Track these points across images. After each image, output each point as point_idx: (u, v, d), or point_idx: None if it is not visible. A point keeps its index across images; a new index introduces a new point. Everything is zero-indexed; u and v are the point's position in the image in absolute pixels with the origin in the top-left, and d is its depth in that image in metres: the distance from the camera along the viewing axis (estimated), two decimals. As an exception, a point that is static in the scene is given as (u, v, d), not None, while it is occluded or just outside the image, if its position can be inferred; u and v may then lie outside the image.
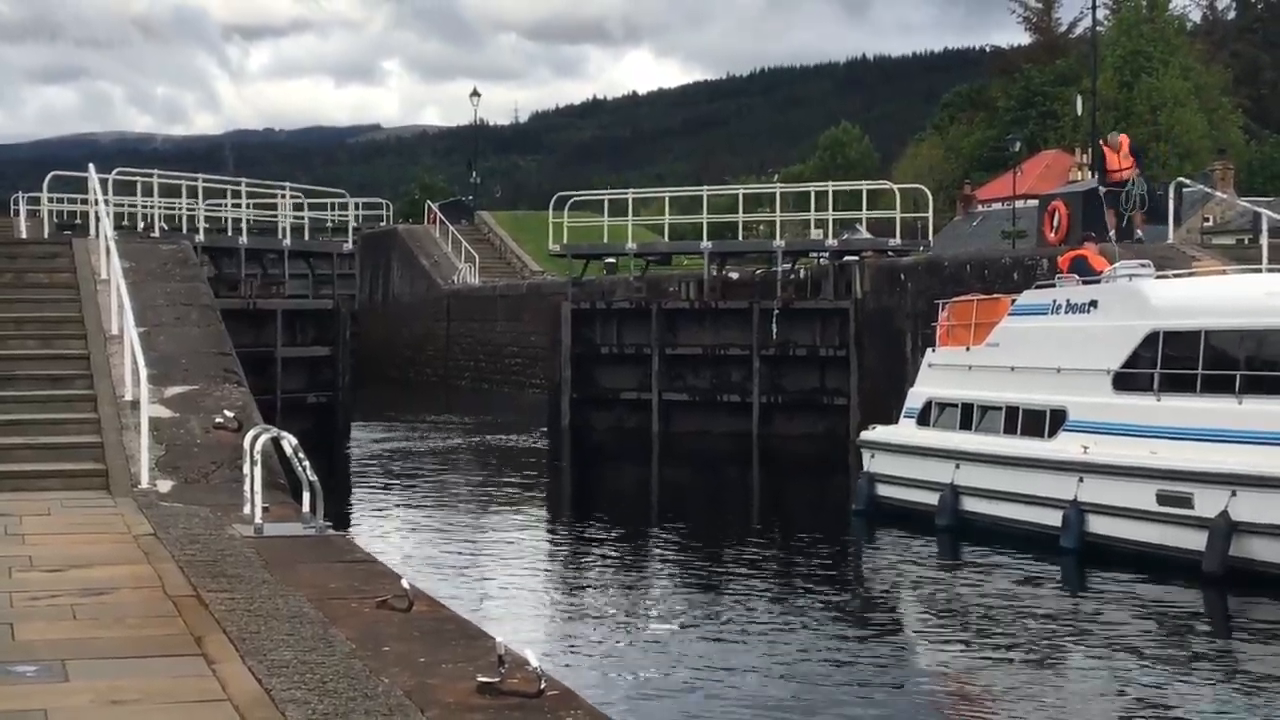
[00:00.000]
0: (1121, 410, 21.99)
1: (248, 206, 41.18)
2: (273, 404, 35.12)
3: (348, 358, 40.51)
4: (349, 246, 44.32)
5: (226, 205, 42.74)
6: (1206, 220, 63.11)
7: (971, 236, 70.19)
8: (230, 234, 39.54)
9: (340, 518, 21.71)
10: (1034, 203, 49.04)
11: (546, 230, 46.24)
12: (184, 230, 37.85)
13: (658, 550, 24.14)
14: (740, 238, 45.68)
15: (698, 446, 38.68)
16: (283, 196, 44.80)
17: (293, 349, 37.79)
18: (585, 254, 45.55)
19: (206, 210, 40.13)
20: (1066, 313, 23.80)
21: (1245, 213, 50.38)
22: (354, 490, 31.73)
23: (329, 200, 46.08)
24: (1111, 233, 31.04)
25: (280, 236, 40.68)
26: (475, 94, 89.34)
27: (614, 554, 23.74)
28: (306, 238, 44.32)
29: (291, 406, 36.60)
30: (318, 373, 39.08)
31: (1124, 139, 33.08)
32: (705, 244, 42.91)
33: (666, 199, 47.03)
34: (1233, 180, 65.95)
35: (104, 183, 26.95)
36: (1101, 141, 33.16)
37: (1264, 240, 29.01)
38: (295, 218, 41.82)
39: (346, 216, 49.23)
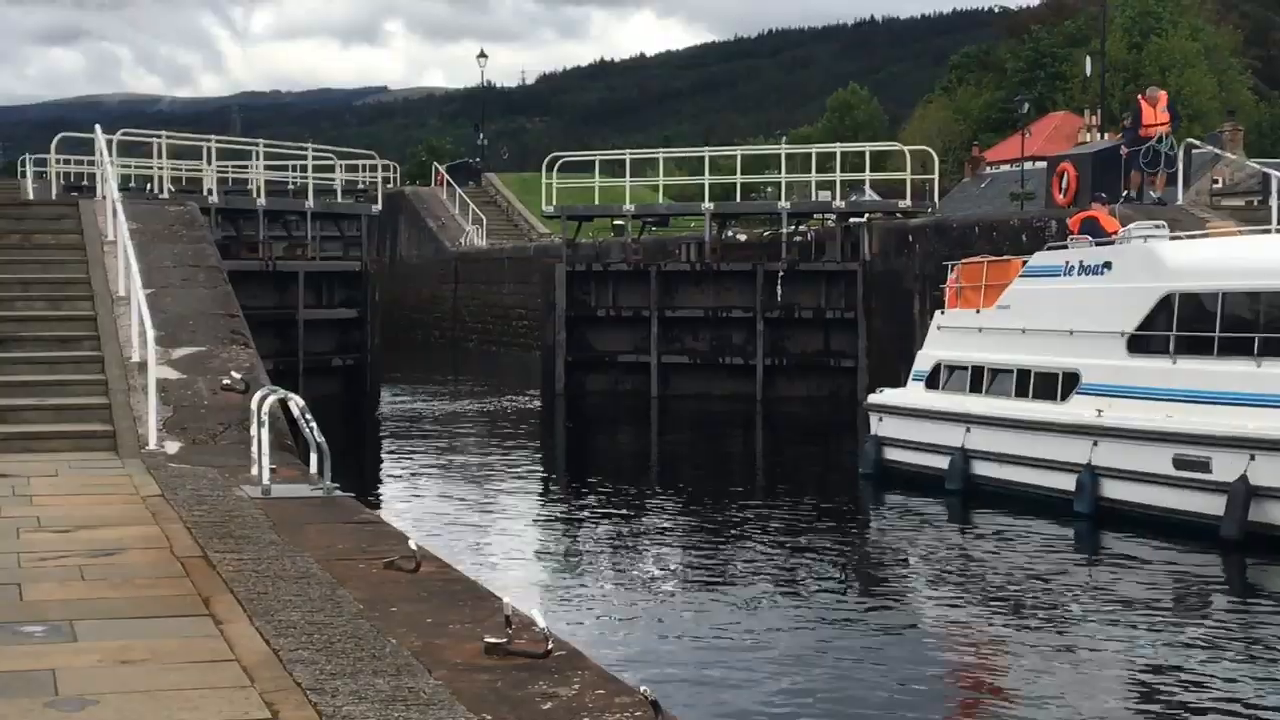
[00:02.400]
0: (1136, 373, 21.80)
1: (266, 168, 41.03)
2: (295, 366, 35.16)
3: (377, 320, 40.39)
4: (377, 209, 44.06)
5: (252, 166, 42.74)
6: (1216, 182, 62.82)
7: (980, 198, 69.89)
8: (254, 195, 39.47)
9: (357, 479, 21.71)
10: (1042, 164, 48.86)
11: (573, 193, 46.07)
12: (203, 192, 37.73)
13: (664, 512, 24.14)
14: (738, 199, 45.32)
15: (697, 409, 38.63)
16: (296, 166, 44.69)
17: (317, 311, 37.61)
18: (580, 215, 45.16)
19: (223, 172, 39.94)
20: (1080, 274, 23.56)
21: (1255, 174, 50.18)
22: (372, 452, 31.84)
23: (338, 161, 45.90)
24: (1131, 191, 30.78)
25: (305, 198, 40.53)
26: (482, 55, 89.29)
27: (620, 516, 23.75)
28: (339, 199, 44.16)
29: (315, 369, 36.54)
30: (346, 335, 38.97)
31: (1163, 95, 32.46)
32: (707, 205, 42.73)
33: (661, 160, 46.76)
34: (1242, 141, 65.68)
35: (110, 144, 26.85)
36: (1140, 96, 32.54)
37: (1273, 202, 28.86)
38: (316, 179, 41.61)
39: (358, 178, 48.92)
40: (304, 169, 41.97)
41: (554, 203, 44.06)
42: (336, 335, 38.68)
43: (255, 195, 39.24)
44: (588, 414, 39.48)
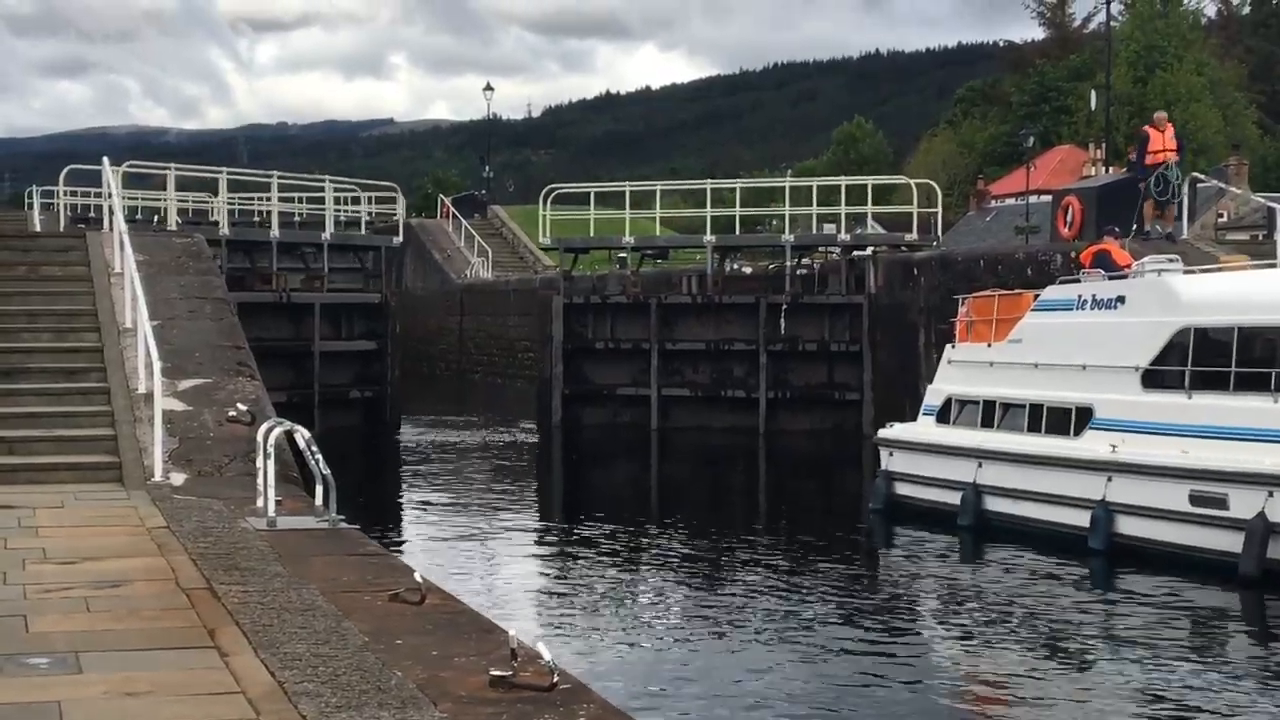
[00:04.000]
0: (1151, 408, 21.59)
1: (279, 200, 41.20)
2: (310, 399, 35.17)
3: (397, 352, 40.33)
4: (398, 240, 44.10)
5: (259, 199, 42.81)
6: (1220, 216, 62.90)
7: (984, 231, 70.00)
8: (266, 226, 39.52)
9: (366, 511, 21.69)
10: (1047, 198, 48.91)
11: (572, 226, 46.15)
12: (212, 224, 37.84)
13: (670, 546, 24.05)
14: (737, 231, 45.38)
15: (698, 442, 38.54)
16: (301, 198, 44.77)
17: (333, 343, 37.61)
18: (576, 247, 45.14)
19: (230, 204, 40.03)
20: (1093, 308, 23.40)
21: (1260, 209, 50.24)
22: (390, 484, 31.84)
23: (362, 194, 45.99)
24: (1148, 225, 30.67)
25: (321, 230, 40.59)
26: (488, 88, 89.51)
27: (626, 549, 23.71)
28: (363, 230, 44.26)
29: (332, 401, 36.54)
30: (365, 367, 38.92)
31: (1169, 123, 32.41)
32: (709, 237, 42.72)
33: (658, 191, 46.82)
34: (1247, 176, 65.73)
35: (117, 175, 26.93)
36: (1147, 127, 32.38)
37: (1279, 236, 28.87)
38: (321, 210, 41.71)
39: (362, 210, 48.92)
40: (314, 201, 42.07)
41: (550, 235, 44.15)
42: (355, 367, 38.66)
43: (266, 226, 39.30)
44: (588, 447, 39.37)
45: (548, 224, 44.04)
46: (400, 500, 29.62)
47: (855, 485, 31.16)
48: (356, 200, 45.24)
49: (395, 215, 50.72)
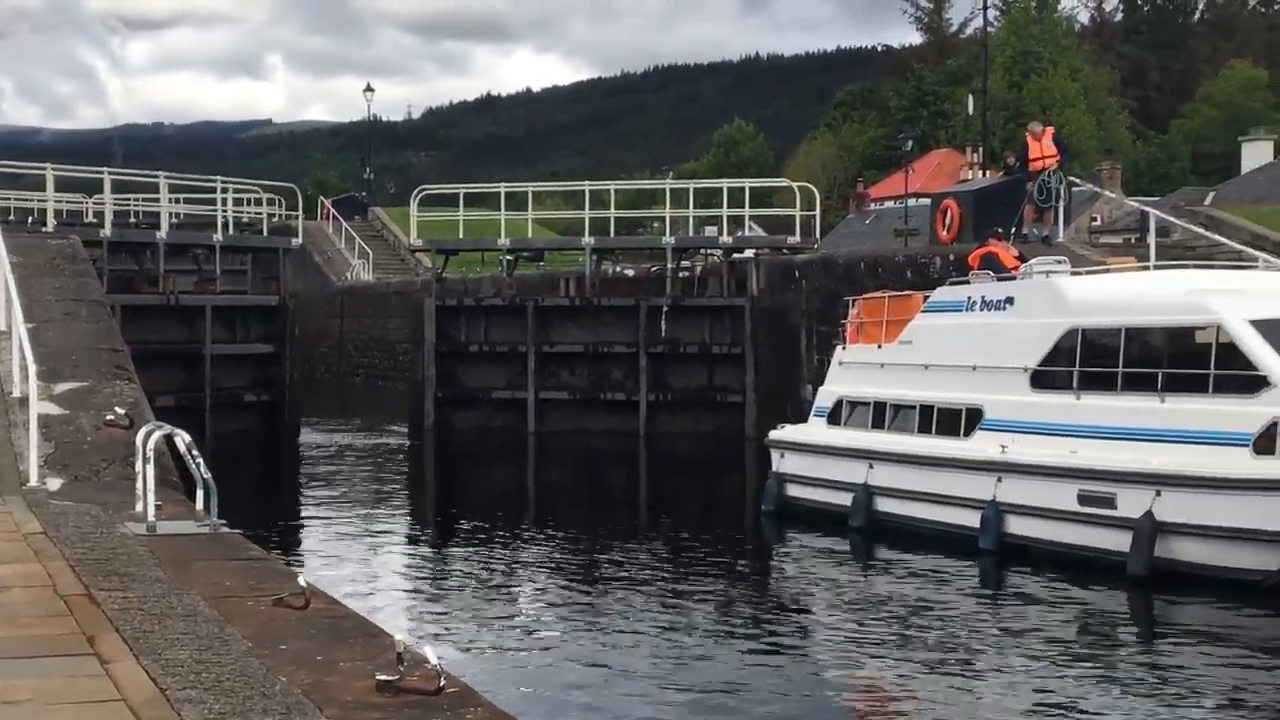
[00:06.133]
0: (1040, 409, 21.81)
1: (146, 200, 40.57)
2: (201, 402, 34.71)
3: (295, 355, 39.86)
4: (298, 242, 43.61)
5: (133, 199, 42.08)
6: (1094, 219, 63.81)
7: (864, 234, 70.58)
8: (148, 227, 38.94)
9: (252, 515, 21.41)
10: (926, 201, 49.40)
11: (446, 227, 45.96)
12: (98, 225, 37.22)
13: (554, 549, 24.00)
14: (612, 234, 45.36)
15: (577, 445, 38.38)
16: (179, 199, 44.14)
17: (227, 346, 37.08)
18: (448, 249, 44.88)
19: (99, 205, 39.45)
20: (982, 310, 23.61)
21: (1133, 212, 51.01)
22: (282, 488, 31.52)
23: (264, 195, 45.43)
24: (1027, 229, 31.06)
25: (213, 231, 40.05)
26: (369, 89, 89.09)
27: (510, 554, 23.64)
28: (266, 233, 43.74)
29: (224, 405, 36.05)
30: (262, 370, 38.40)
31: (1048, 129, 32.87)
32: (587, 240, 42.69)
33: (531, 194, 46.80)
34: (1120, 180, 66.78)
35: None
36: (1027, 132, 32.89)
37: (1151, 239, 29.36)
38: (203, 212, 41.17)
39: (244, 211, 48.30)
40: (194, 202, 41.58)
41: (419, 236, 43.95)
42: (251, 370, 38.12)
43: (146, 228, 38.73)
44: (463, 450, 38.95)
45: (415, 225, 43.87)
46: (284, 504, 29.33)
47: (739, 487, 31.26)
48: (259, 202, 44.69)
49: (275, 216, 50.16)
